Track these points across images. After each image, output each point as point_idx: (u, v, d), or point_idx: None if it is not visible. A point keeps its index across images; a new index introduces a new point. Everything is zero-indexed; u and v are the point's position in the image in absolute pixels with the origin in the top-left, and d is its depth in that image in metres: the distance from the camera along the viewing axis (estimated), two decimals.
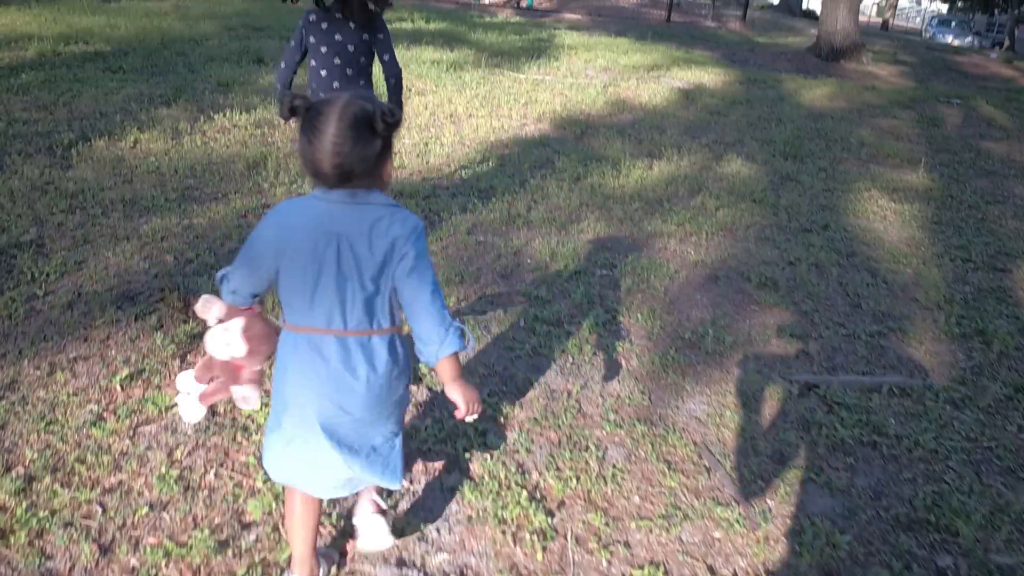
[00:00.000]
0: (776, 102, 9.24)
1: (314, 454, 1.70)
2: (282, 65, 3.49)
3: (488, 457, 2.48)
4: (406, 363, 1.74)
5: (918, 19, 62.44)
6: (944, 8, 57.46)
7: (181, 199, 4.11)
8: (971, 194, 6.15)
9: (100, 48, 7.50)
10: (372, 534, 2.00)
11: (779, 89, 10.23)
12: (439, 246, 3.96)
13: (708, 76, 10.50)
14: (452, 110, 6.77)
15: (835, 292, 4.01)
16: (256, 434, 2.44)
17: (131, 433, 2.39)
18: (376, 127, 1.51)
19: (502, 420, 2.68)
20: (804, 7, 36.35)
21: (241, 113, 5.72)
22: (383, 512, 2.06)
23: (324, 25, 3.31)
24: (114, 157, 4.57)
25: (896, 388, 3.14)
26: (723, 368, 3.16)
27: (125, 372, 2.64)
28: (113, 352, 2.77)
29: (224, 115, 5.62)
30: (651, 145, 6.48)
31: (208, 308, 1.72)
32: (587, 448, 2.59)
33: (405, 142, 5.62)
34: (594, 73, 9.53)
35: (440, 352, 1.64)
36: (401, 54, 8.84)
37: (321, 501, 1.88)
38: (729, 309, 3.68)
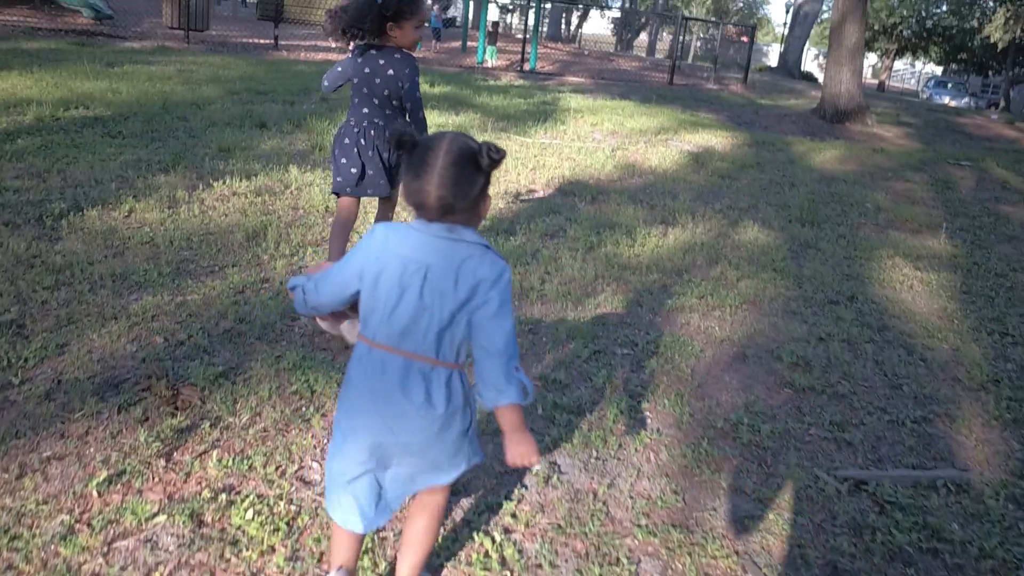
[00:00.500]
0: (787, 165, 9.10)
1: (363, 472, 1.77)
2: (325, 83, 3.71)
3: (508, 574, 2.19)
4: (464, 400, 1.74)
5: (912, 80, 63.43)
6: (939, 70, 58.52)
7: (175, 273, 3.88)
8: (996, 261, 5.93)
9: (100, 113, 7.37)
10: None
11: (788, 152, 10.11)
12: None
13: (716, 139, 10.39)
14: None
15: (872, 372, 3.75)
16: (247, 549, 2.16)
17: (105, 549, 2.11)
18: (481, 163, 1.63)
19: (522, 528, 2.40)
20: (802, 68, 36.80)
21: (241, 180, 5.53)
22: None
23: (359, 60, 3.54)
24: (107, 228, 4.35)
25: (951, 484, 2.86)
26: (761, 462, 2.89)
27: (103, 475, 2.37)
28: (92, 450, 2.50)
29: (224, 182, 5.43)
30: (664, 211, 6.28)
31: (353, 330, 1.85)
32: (618, 561, 2.31)
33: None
34: (601, 137, 9.41)
35: (499, 400, 1.67)
36: None
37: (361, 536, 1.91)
38: (762, 393, 3.41)
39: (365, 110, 3.57)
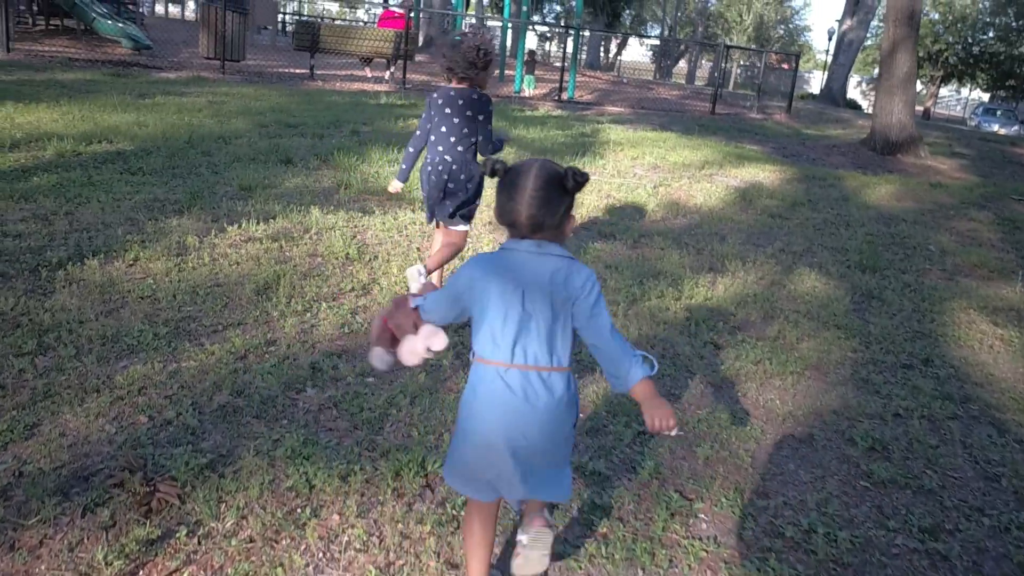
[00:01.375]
0: (840, 203, 8.57)
1: (496, 473, 1.88)
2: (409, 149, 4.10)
3: None
4: (574, 398, 1.91)
5: (958, 107, 62.21)
6: (985, 97, 57.25)
7: (173, 334, 3.51)
8: None
9: (123, 147, 7.12)
10: (536, 547, 2.08)
11: (841, 187, 9.58)
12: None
13: (763, 173, 9.90)
14: (489, 217, 6.19)
15: (961, 459, 3.24)
16: None
17: None
18: (567, 186, 1.80)
19: None
20: (846, 96, 36.09)
21: (259, 223, 5.19)
22: (550, 527, 2.12)
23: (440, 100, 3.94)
24: (106, 280, 4.01)
25: None
26: None
27: None
28: (43, 568, 2.11)
29: (239, 225, 5.08)
30: (712, 256, 5.81)
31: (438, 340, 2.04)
32: None
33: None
34: (643, 172, 8.97)
35: (629, 381, 1.84)
36: None
37: (495, 525, 2.08)
38: (835, 487, 2.92)
39: (440, 148, 3.90)
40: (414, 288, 3.94)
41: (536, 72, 20.23)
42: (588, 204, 7.00)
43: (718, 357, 3.97)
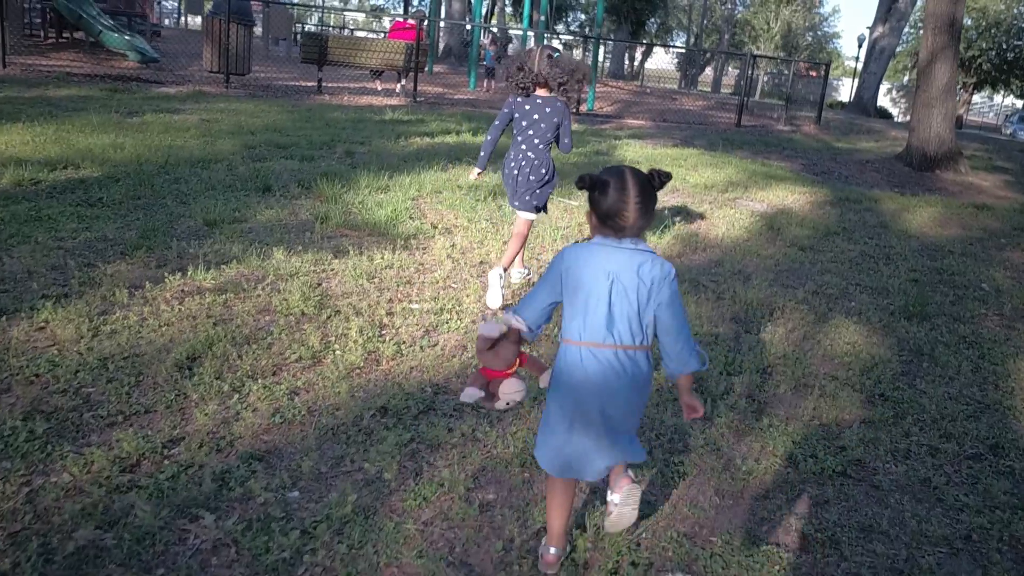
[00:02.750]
0: (878, 231, 7.76)
1: (585, 446, 2.14)
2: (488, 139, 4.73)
3: None
4: (651, 373, 2.17)
5: (991, 114, 60.73)
6: (1019, 103, 55.71)
7: (54, 432, 2.82)
8: None
9: (88, 174, 6.50)
10: (628, 503, 2.30)
11: (877, 212, 8.76)
12: (413, 517, 2.57)
13: (792, 196, 9.10)
14: (482, 256, 5.48)
15: None
16: None
17: None
18: (655, 185, 2.10)
19: None
20: (877, 105, 35.04)
21: (209, 269, 4.51)
22: (637, 483, 2.36)
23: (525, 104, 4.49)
24: None
25: None
26: None
27: None
28: None
29: (184, 274, 4.40)
30: (733, 303, 5.06)
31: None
32: None
33: (407, 319, 4.31)
34: (660, 196, 8.20)
35: (683, 370, 2.15)
36: (435, 178, 7.67)
37: (574, 489, 2.35)
38: None
39: (524, 146, 4.56)
40: (492, 298, 4.52)
41: None
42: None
43: (738, 454, 3.22)
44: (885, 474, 3.17)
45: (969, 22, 46.22)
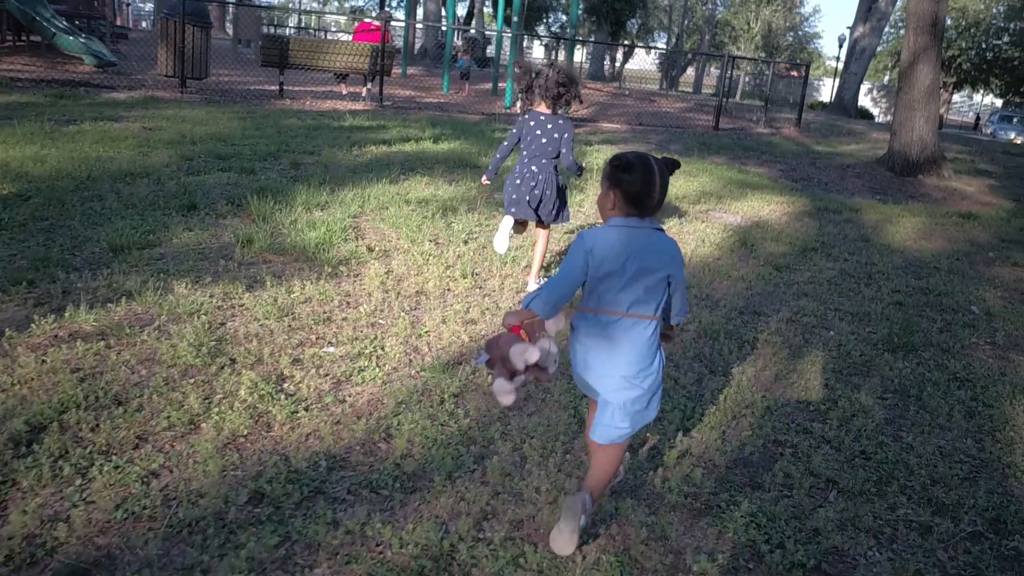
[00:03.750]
0: (859, 245, 7.25)
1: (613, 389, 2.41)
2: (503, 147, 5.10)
3: None
4: (658, 343, 2.46)
5: (971, 113, 60.77)
6: (998, 102, 55.70)
7: None
8: None
9: None
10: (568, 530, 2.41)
11: (858, 223, 8.25)
12: None
13: (768, 207, 8.58)
14: (420, 285, 4.91)
15: None
16: None
17: None
18: (669, 174, 2.40)
19: None
20: (858, 105, 34.73)
21: (93, 308, 3.91)
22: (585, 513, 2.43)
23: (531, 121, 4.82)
24: None
25: None
26: None
27: None
28: None
29: (61, 316, 3.81)
30: (699, 337, 4.51)
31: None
32: None
33: (315, 368, 3.74)
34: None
35: (679, 319, 2.56)
36: (382, 192, 7.00)
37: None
38: None
39: (527, 160, 4.89)
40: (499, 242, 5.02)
41: None
42: (551, 264, 5.71)
43: (688, 542, 2.66)
44: (868, 566, 2.63)
45: (949, 22, 46.10)
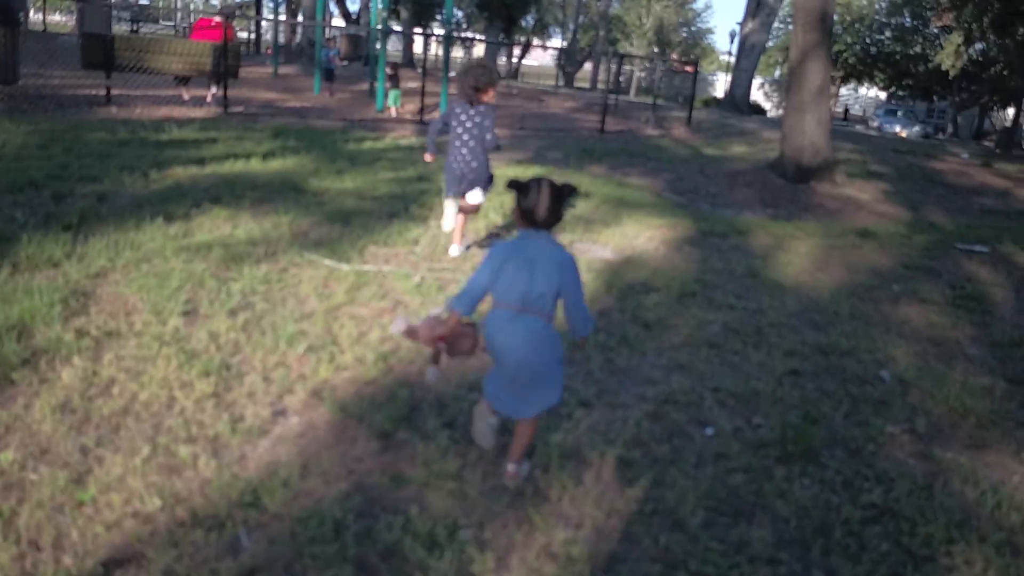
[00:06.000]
0: (747, 284, 6.10)
1: (510, 381, 2.93)
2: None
3: None
4: (557, 340, 2.93)
5: (857, 106, 62.38)
6: (882, 95, 57.21)
7: None
8: None
9: None
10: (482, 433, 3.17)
11: (747, 251, 7.14)
12: None
13: (646, 233, 7.39)
14: (129, 398, 3.42)
15: None
16: None
17: None
18: (564, 195, 2.87)
19: None
20: (750, 101, 34.54)
21: None
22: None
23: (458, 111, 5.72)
24: None
25: None
26: None
27: None
28: None
29: None
30: (530, 457, 3.19)
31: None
32: None
33: None
34: (470, 247, 6.32)
35: (582, 333, 3.02)
36: (154, 235, 4.94)
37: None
38: None
39: (457, 144, 5.75)
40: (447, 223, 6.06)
41: (422, 84, 17.46)
42: (345, 337, 4.30)
43: None
44: None
45: (835, 17, 46.89)
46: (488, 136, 5.70)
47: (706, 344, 4.75)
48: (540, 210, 2.81)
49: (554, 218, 2.86)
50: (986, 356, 5.09)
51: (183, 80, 14.04)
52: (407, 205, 7.37)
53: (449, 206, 5.93)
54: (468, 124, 5.64)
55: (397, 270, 5.42)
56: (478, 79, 5.56)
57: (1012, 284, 6.90)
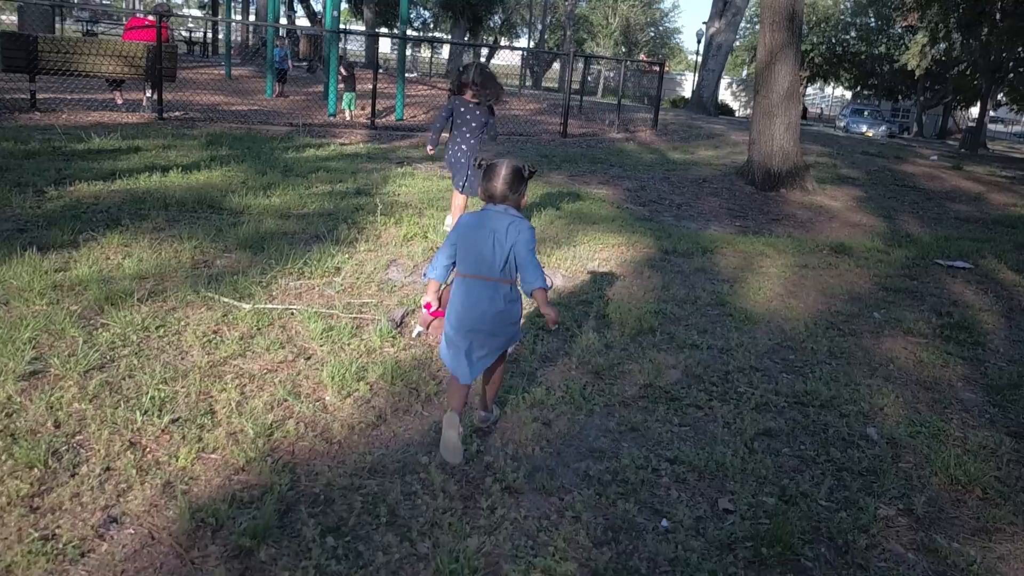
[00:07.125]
0: (713, 316, 5.41)
1: (463, 351, 3.13)
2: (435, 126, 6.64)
3: None
4: (518, 304, 3.19)
5: (823, 104, 62.40)
6: (848, 94, 57.22)
7: None
8: None
9: None
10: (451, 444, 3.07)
11: (713, 274, 6.45)
12: None
13: (603, 254, 6.68)
14: None
15: None
16: None
17: None
18: (524, 175, 3.19)
19: None
20: (718, 101, 34.07)
21: None
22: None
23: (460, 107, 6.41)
24: None
25: None
26: None
27: None
28: None
29: None
30: None
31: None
32: None
33: None
34: (401, 277, 5.56)
35: (533, 287, 3.09)
36: (14, 271, 4.36)
37: (468, 386, 3.22)
38: None
39: (458, 138, 6.52)
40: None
41: (379, 86, 16.63)
42: (225, 401, 3.52)
43: None
44: None
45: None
46: (488, 122, 6.52)
47: (664, 398, 4.05)
48: (496, 186, 3.12)
49: (512, 195, 3.15)
50: (983, 402, 4.45)
51: (116, 84, 13.13)
52: (336, 225, 6.59)
53: (457, 197, 6.62)
54: (467, 116, 6.37)
55: (307, 309, 4.65)
56: (476, 78, 6.23)
57: (1000, 309, 6.29)
